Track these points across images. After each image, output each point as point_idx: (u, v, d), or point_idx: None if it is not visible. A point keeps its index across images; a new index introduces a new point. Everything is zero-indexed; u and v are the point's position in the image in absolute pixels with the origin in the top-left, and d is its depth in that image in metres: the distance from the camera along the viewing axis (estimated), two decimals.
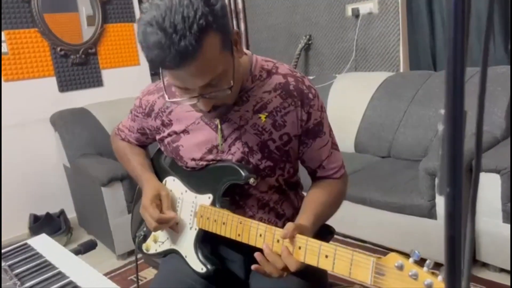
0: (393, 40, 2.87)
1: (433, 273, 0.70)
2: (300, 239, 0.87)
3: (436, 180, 1.95)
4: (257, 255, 0.91)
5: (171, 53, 0.81)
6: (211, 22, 0.82)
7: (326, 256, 0.82)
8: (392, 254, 0.74)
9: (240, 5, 3.58)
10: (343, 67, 3.18)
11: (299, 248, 0.87)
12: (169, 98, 0.96)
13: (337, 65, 3.23)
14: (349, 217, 2.38)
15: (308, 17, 3.30)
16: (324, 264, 0.83)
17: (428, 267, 0.70)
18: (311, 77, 3.31)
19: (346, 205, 2.31)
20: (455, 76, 0.33)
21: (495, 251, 1.95)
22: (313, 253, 0.85)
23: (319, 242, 0.85)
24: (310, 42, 3.31)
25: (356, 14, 2.99)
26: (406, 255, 0.74)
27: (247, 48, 3.70)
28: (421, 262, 0.71)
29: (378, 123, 2.69)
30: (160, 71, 0.93)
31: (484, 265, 2.05)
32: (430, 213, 2.02)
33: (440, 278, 0.68)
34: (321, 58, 3.32)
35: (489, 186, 1.86)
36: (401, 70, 2.89)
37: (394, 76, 2.78)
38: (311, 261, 0.85)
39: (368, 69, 3.06)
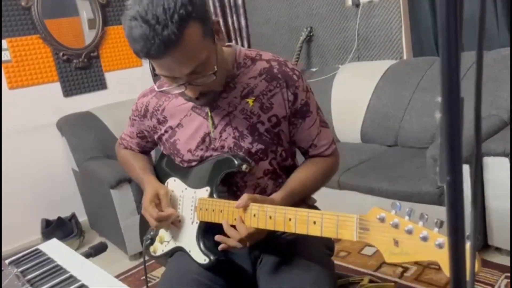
0: (395, 27, 2.84)
1: (413, 221, 0.72)
2: (282, 209, 0.93)
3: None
4: (217, 237, 1.01)
5: (156, 43, 0.86)
6: (190, 11, 0.87)
7: (314, 222, 0.87)
8: (375, 208, 0.78)
9: (239, 0, 3.57)
10: (345, 58, 3.15)
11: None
12: (158, 88, 1.03)
13: (339, 56, 3.21)
14: (358, 208, 2.37)
15: (308, 9, 3.27)
16: (313, 230, 0.87)
17: (408, 215, 0.73)
18: (313, 69, 3.29)
19: (354, 196, 2.34)
20: (450, 64, 0.32)
21: (507, 235, 1.94)
22: (302, 222, 0.89)
23: (306, 210, 0.89)
24: (311, 34, 3.29)
25: (356, 3, 2.95)
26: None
27: (248, 44, 3.69)
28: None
29: (384, 112, 2.67)
30: (149, 63, 0.98)
31: (497, 249, 2.04)
32: (440, 200, 2.01)
33: (420, 223, 0.70)
34: (323, 49, 3.29)
35: (499, 170, 1.84)
36: (405, 58, 2.86)
37: (397, 64, 2.76)
38: (301, 230, 0.89)
39: (371, 58, 3.03)
